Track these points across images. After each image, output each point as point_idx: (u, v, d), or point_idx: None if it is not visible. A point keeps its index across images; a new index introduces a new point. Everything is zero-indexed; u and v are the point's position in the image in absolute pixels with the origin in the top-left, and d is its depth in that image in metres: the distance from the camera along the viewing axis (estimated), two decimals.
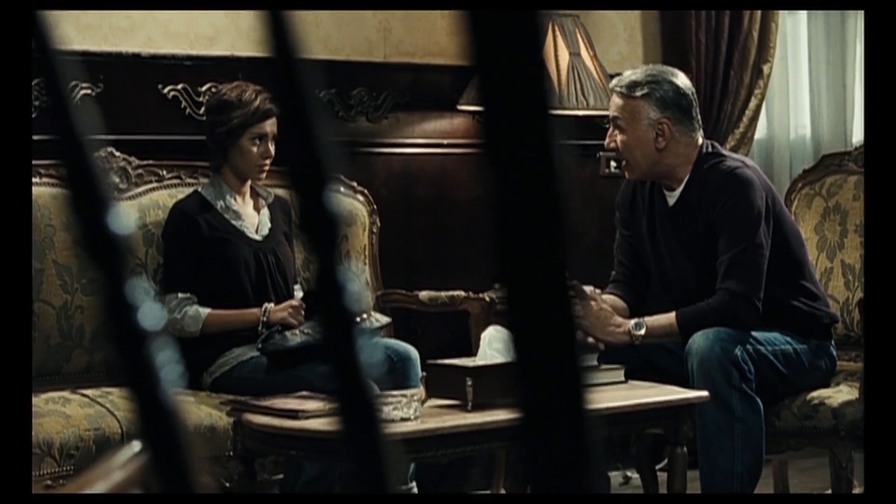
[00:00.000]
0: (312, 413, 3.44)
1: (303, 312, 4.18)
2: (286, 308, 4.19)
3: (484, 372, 3.52)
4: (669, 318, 4.07)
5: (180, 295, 4.20)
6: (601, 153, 5.46)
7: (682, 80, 4.21)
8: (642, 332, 4.06)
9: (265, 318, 4.16)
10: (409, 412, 3.32)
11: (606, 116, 4.49)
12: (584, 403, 0.76)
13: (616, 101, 4.21)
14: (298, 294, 4.38)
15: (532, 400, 0.76)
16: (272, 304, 4.20)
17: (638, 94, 4.15)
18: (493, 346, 3.62)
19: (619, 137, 4.19)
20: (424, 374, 3.62)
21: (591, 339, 4.01)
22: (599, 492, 0.77)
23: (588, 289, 4.19)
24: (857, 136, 5.85)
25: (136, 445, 1.61)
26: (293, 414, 3.44)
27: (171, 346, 0.77)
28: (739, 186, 4.08)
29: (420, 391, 3.59)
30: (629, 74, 4.23)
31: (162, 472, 0.78)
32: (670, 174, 4.17)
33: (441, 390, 3.56)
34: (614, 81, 4.28)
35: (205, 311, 4.18)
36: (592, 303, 4.10)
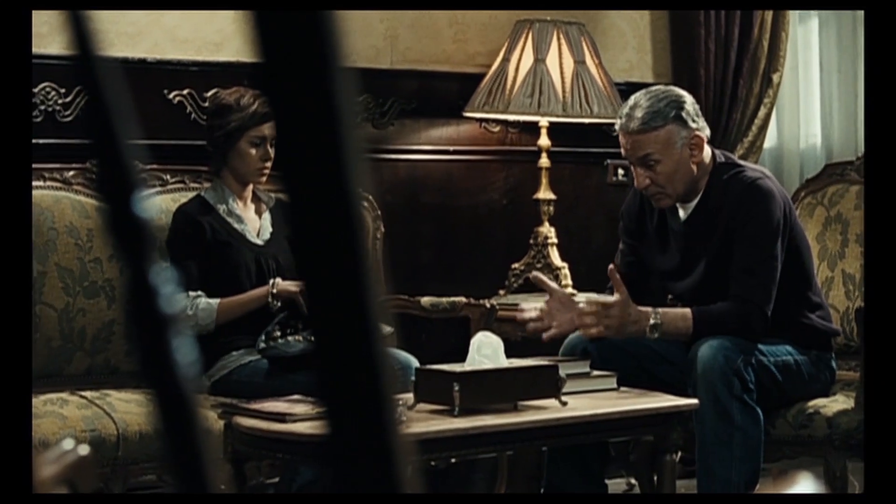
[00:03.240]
0: (300, 417, 3.47)
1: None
2: (295, 284, 4.17)
3: (471, 377, 3.53)
4: (685, 317, 4.02)
5: (191, 293, 4.24)
6: (609, 161, 5.47)
7: (682, 90, 4.22)
8: (656, 335, 4.04)
9: (274, 291, 4.17)
10: None
11: (611, 125, 4.47)
12: (392, 426, 0.77)
13: (639, 139, 4.07)
14: None
15: (336, 418, 0.77)
16: (280, 279, 4.21)
17: (661, 122, 4.08)
18: (482, 351, 3.63)
19: (657, 170, 4.07)
20: (413, 378, 3.64)
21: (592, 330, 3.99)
22: None
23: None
24: None
25: (67, 443, 1.63)
26: (281, 417, 3.47)
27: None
28: (761, 198, 4.05)
29: (408, 396, 3.61)
30: (634, 110, 4.09)
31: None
32: (697, 188, 4.15)
33: (429, 395, 3.58)
34: (624, 123, 4.11)
35: (215, 301, 4.22)
36: (617, 296, 4.05)
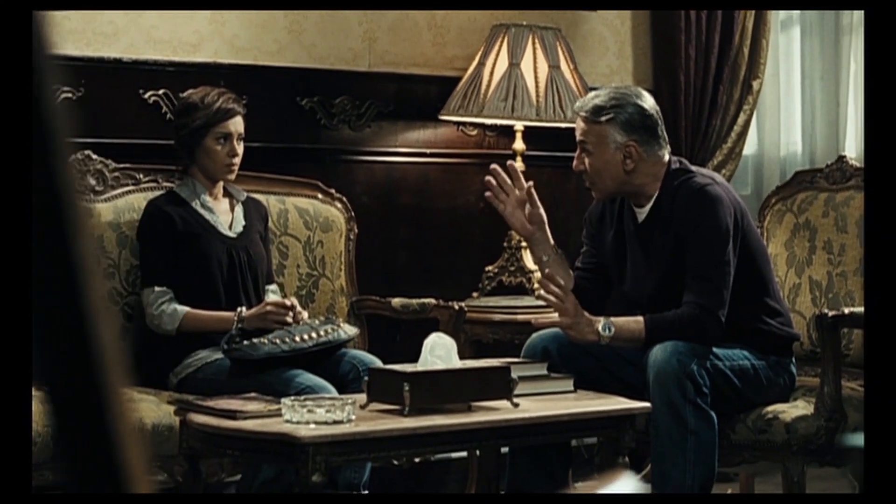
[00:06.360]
0: (251, 414, 3.50)
1: (283, 311, 4.21)
2: (262, 314, 4.23)
3: (421, 378, 3.57)
4: (638, 322, 4.07)
5: (157, 289, 4.27)
6: None
7: (646, 100, 4.20)
8: (611, 333, 4.08)
9: (240, 325, 4.21)
10: (342, 415, 3.38)
11: None
12: (113, 423, 0.79)
13: (581, 125, 4.20)
14: (272, 297, 4.44)
15: (61, 417, 0.80)
16: (244, 308, 4.25)
17: (603, 118, 4.15)
18: (435, 352, 3.66)
19: (586, 160, 4.19)
20: (366, 378, 3.67)
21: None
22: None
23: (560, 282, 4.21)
24: (849, 152, 5.85)
25: None
26: (231, 414, 3.50)
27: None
28: (709, 204, 4.09)
29: (359, 396, 3.64)
30: (592, 98, 4.22)
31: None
32: (639, 192, 4.19)
33: (381, 395, 3.61)
34: (578, 104, 4.27)
35: (182, 309, 4.26)
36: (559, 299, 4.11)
